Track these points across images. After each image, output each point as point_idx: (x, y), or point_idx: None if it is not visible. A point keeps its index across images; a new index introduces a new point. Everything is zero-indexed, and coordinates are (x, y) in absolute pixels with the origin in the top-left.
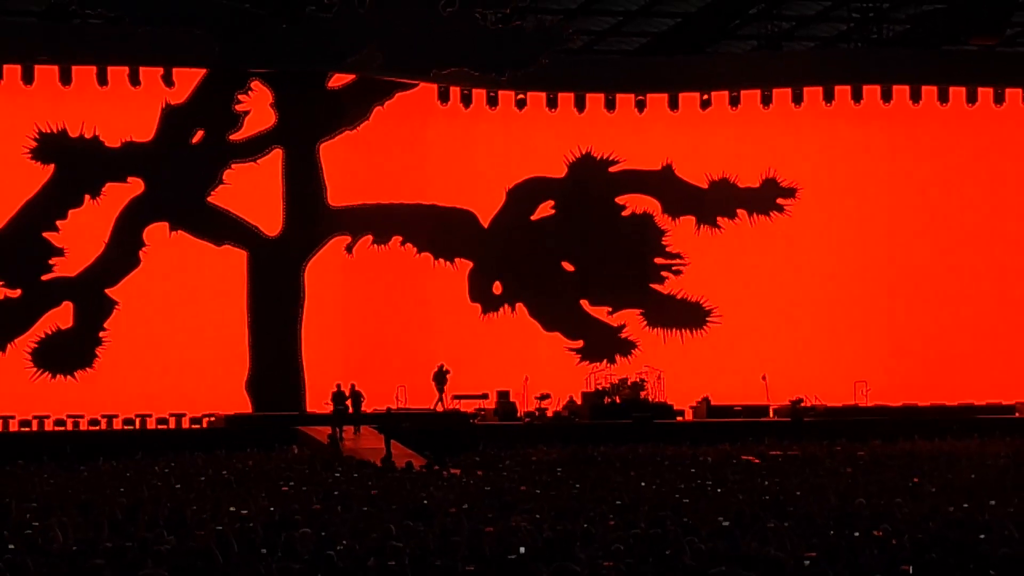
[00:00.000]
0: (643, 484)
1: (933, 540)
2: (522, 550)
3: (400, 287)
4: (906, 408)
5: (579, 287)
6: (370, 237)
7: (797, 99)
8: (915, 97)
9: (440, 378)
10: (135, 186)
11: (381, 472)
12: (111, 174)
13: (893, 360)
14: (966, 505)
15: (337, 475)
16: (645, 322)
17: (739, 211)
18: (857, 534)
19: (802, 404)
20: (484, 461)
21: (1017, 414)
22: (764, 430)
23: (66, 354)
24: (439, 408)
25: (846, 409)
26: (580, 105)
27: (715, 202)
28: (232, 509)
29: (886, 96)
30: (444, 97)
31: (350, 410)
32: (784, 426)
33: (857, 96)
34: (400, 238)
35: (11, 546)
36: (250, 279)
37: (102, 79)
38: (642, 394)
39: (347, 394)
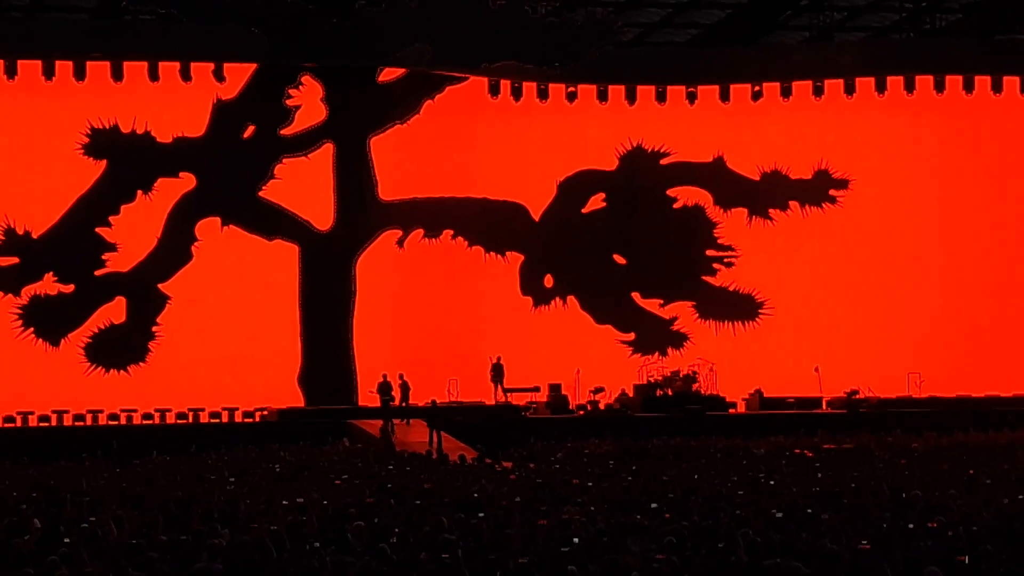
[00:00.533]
0: (695, 477)
1: (988, 531)
2: (576, 541)
3: (451, 281)
4: (960, 399)
5: (630, 280)
6: (421, 231)
7: (849, 90)
8: (968, 87)
9: (497, 371)
10: (187, 181)
11: (434, 465)
12: (163, 169)
13: (946, 351)
14: (1021, 496)
15: (390, 468)
16: (697, 314)
17: (791, 203)
18: (911, 526)
19: (857, 396)
20: (536, 454)
21: None
22: (817, 422)
23: (119, 349)
24: (501, 398)
25: (899, 400)
26: (631, 97)
27: (767, 194)
28: (285, 503)
29: (939, 86)
30: (494, 90)
31: (396, 401)
32: (837, 418)
33: (909, 87)
34: (451, 232)
35: (67, 540)
36: (301, 273)
37: (153, 75)
38: (694, 387)
39: (393, 385)
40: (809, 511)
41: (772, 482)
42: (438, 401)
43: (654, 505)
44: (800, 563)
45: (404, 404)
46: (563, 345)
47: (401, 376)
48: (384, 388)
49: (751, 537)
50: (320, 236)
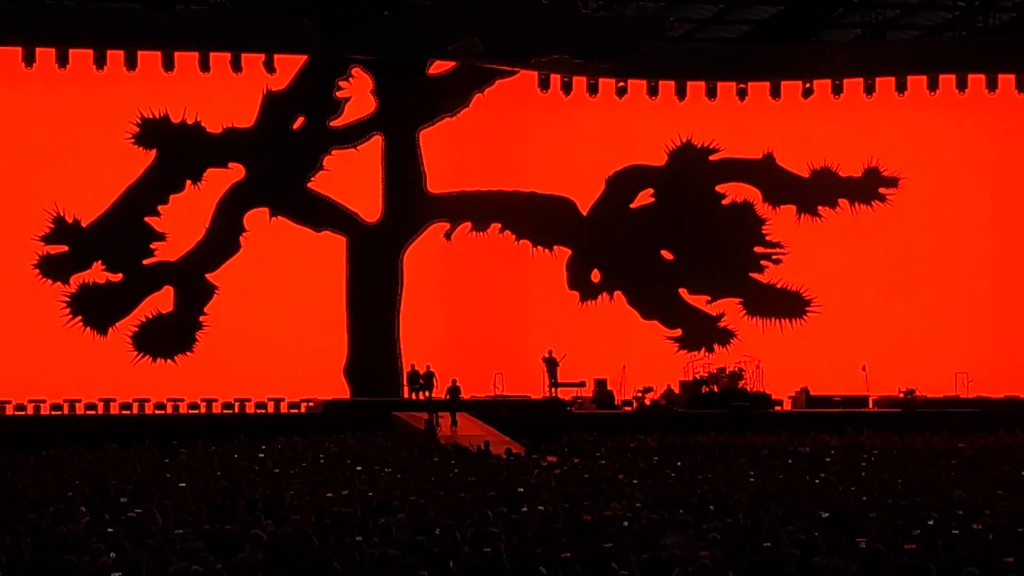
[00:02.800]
0: (741, 474)
1: None
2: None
3: (498, 274)
4: (1008, 400)
5: (678, 276)
6: (468, 224)
7: (901, 88)
8: (1020, 87)
9: (551, 364)
10: (236, 172)
11: (478, 458)
12: (212, 160)
13: (995, 351)
14: None
15: (435, 460)
16: (744, 311)
17: (841, 201)
18: (956, 528)
19: (914, 395)
20: (581, 449)
21: None
22: (863, 421)
23: (166, 338)
24: (553, 393)
25: (947, 400)
26: (681, 93)
27: (816, 191)
28: (329, 495)
29: (991, 85)
30: (544, 84)
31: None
32: (884, 416)
33: (962, 85)
34: (499, 225)
35: (112, 528)
36: (349, 265)
37: (204, 65)
38: (740, 384)
39: (421, 374)
40: (856, 510)
41: (817, 480)
42: (456, 383)
43: (698, 501)
44: (846, 562)
45: (429, 394)
46: (609, 340)
47: (428, 367)
48: (412, 377)
49: (796, 535)
50: (368, 228)
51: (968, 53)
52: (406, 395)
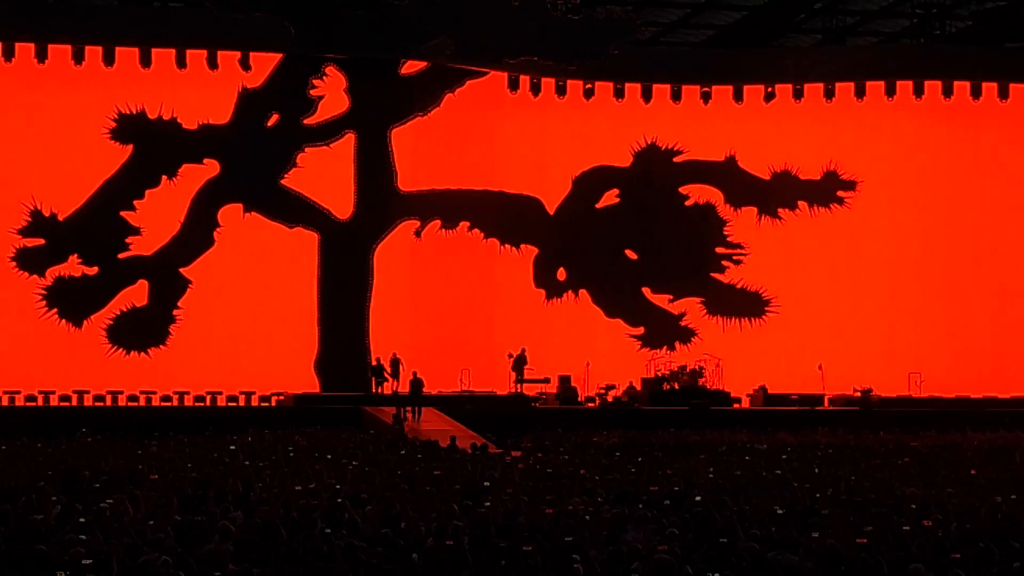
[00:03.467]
0: (700, 470)
1: (982, 531)
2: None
3: (466, 272)
4: (959, 400)
5: (641, 275)
6: (438, 222)
7: (860, 93)
8: (976, 93)
9: (519, 362)
10: (211, 167)
11: (444, 453)
12: (188, 155)
13: (947, 352)
14: (1015, 497)
15: (402, 454)
16: (705, 310)
17: (800, 203)
18: (907, 525)
19: (871, 394)
20: (545, 444)
21: None
22: (819, 419)
23: (140, 331)
24: (518, 389)
25: (900, 400)
26: (647, 96)
27: (777, 193)
28: (298, 487)
29: (947, 92)
30: (514, 85)
31: (391, 383)
32: (839, 415)
33: (919, 91)
34: (467, 223)
35: (81, 520)
36: (321, 261)
37: (181, 62)
38: (700, 381)
39: (387, 367)
40: (810, 506)
41: (773, 477)
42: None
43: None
44: (800, 556)
45: (397, 381)
46: (574, 338)
47: (395, 354)
48: (377, 370)
49: (752, 530)
50: (339, 225)
51: (925, 60)
52: (373, 388)
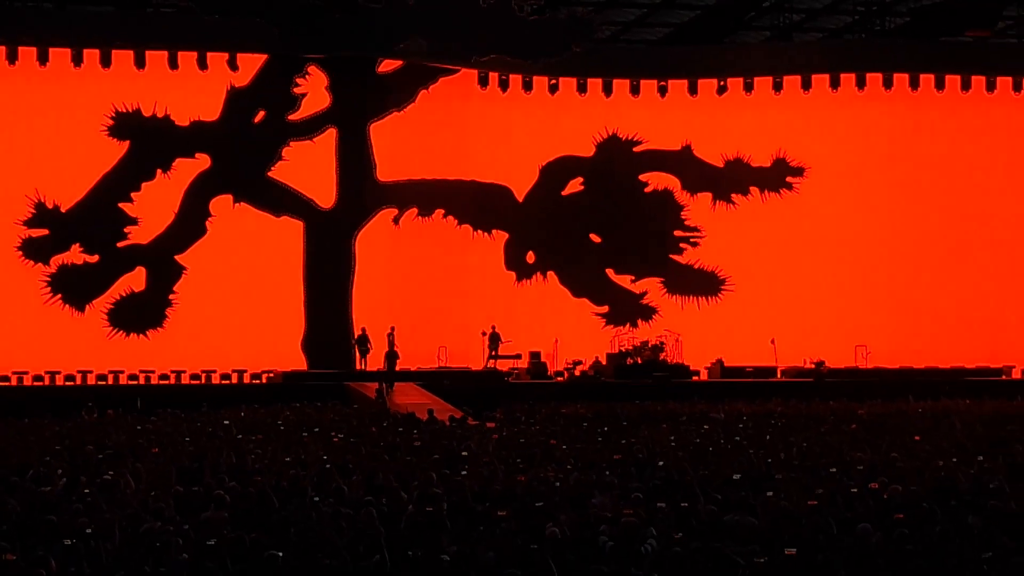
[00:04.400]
0: (661, 438)
1: (925, 492)
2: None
3: (442, 256)
4: (902, 370)
5: (605, 257)
6: (415, 210)
7: (806, 86)
8: (914, 84)
9: (494, 339)
10: (202, 161)
11: (425, 425)
12: (181, 150)
13: (891, 326)
14: (956, 460)
15: (384, 426)
16: (665, 290)
17: (752, 188)
18: (855, 487)
19: (823, 366)
20: (517, 416)
21: (1004, 377)
22: (772, 390)
23: (139, 314)
24: (492, 365)
25: (847, 371)
26: (607, 90)
27: (730, 180)
28: (288, 458)
29: (887, 83)
30: (483, 82)
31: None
32: (791, 385)
33: (861, 83)
34: (442, 211)
35: (87, 491)
36: (306, 248)
37: (173, 63)
38: (661, 356)
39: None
40: (765, 471)
41: (730, 445)
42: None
43: (623, 464)
44: (756, 518)
45: (364, 356)
46: (543, 316)
47: (363, 330)
48: (362, 340)
49: (712, 494)
50: (323, 213)
51: (867, 54)
52: (358, 358)
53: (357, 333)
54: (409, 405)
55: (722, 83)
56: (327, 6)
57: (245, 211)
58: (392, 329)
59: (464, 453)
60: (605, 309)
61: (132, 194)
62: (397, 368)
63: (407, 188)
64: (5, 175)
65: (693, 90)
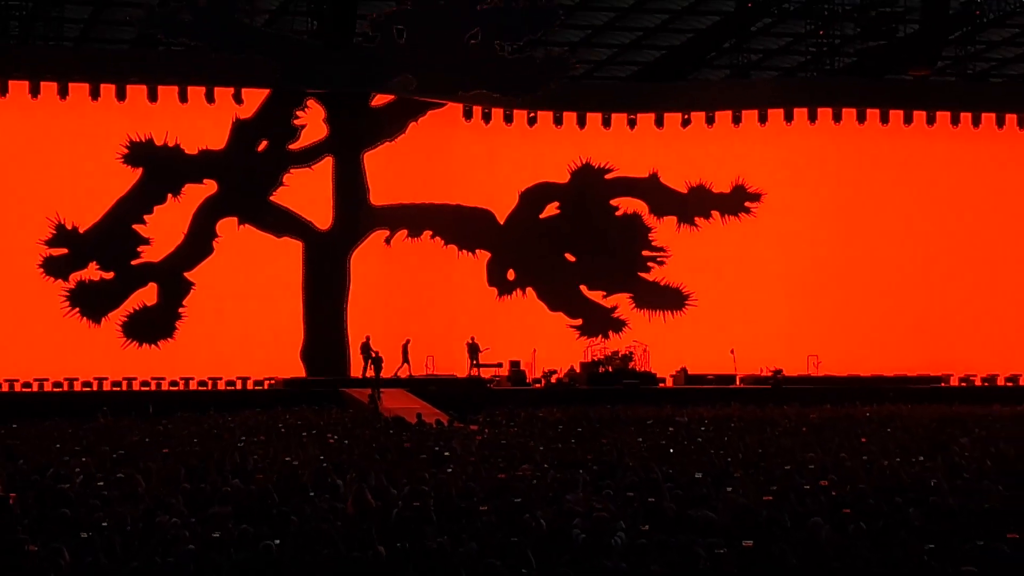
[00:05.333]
0: (630, 440)
1: (871, 489)
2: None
3: (430, 274)
4: (850, 378)
5: (579, 274)
6: (405, 231)
7: (762, 119)
8: (861, 118)
9: (473, 349)
10: (210, 187)
11: (413, 427)
12: (190, 176)
13: (840, 338)
14: (898, 460)
15: (377, 428)
16: (634, 304)
17: (713, 212)
18: (807, 485)
19: (781, 373)
20: (498, 419)
21: (943, 384)
22: (732, 395)
23: (150, 327)
24: (475, 372)
25: (800, 378)
26: (581, 122)
27: (693, 205)
28: (287, 458)
29: (836, 117)
30: (468, 115)
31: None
32: (749, 392)
33: (812, 117)
34: (430, 232)
35: (100, 483)
36: (305, 265)
37: (183, 97)
38: (630, 365)
39: (371, 348)
40: (725, 470)
41: (693, 446)
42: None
43: (595, 463)
44: (715, 513)
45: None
46: (522, 328)
47: (367, 339)
48: (365, 348)
49: (676, 491)
50: (320, 234)
51: (817, 91)
52: (360, 365)
53: (360, 342)
54: (399, 409)
55: (686, 116)
56: (325, 46)
57: (249, 232)
58: (367, 338)
59: (446, 454)
60: (579, 322)
61: (145, 216)
62: (383, 374)
63: (398, 211)
64: (28, 199)
65: (659, 123)
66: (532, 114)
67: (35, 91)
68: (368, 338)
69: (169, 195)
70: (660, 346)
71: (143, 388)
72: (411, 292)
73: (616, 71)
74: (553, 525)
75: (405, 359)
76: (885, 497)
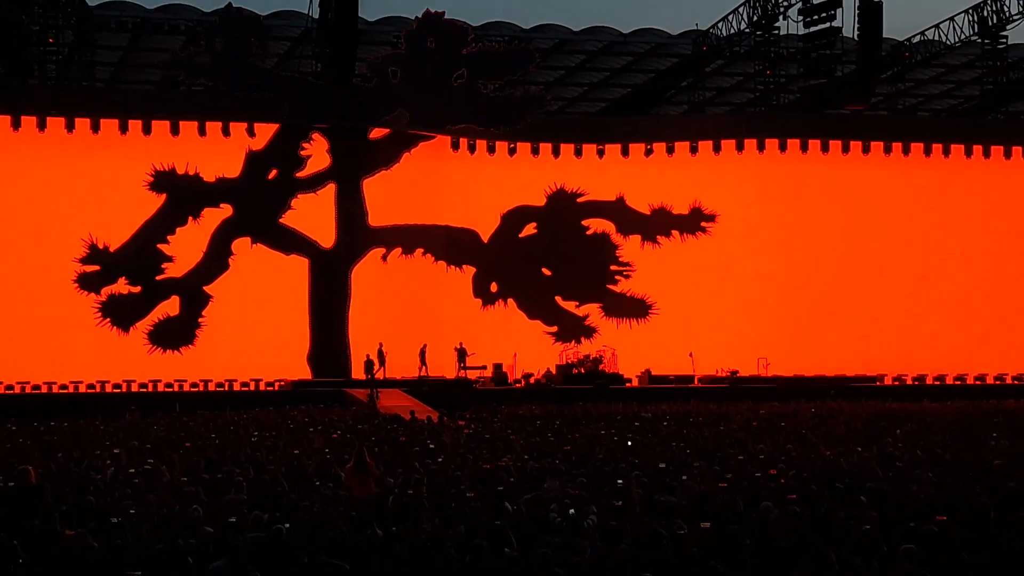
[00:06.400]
0: (601, 433)
1: (814, 476)
2: (511, 480)
3: (421, 287)
4: (796, 378)
5: (554, 287)
6: (400, 249)
7: (716, 149)
8: (804, 148)
9: (461, 354)
10: (226, 210)
11: (408, 423)
12: (208, 201)
13: (787, 342)
14: (839, 450)
15: (375, 424)
16: (603, 313)
17: (673, 231)
18: (758, 472)
19: (737, 374)
20: (483, 416)
21: (878, 383)
22: (691, 394)
23: (173, 334)
24: (462, 374)
25: (751, 378)
26: (556, 152)
27: (655, 225)
28: (295, 451)
29: (783, 147)
30: (455, 146)
31: (378, 371)
32: (707, 390)
33: (761, 147)
34: (422, 250)
35: (136, 481)
36: (310, 280)
37: (202, 131)
38: (600, 367)
39: (374, 360)
40: (684, 460)
41: (657, 438)
42: (374, 362)
43: (569, 454)
44: (677, 498)
45: (383, 366)
46: (504, 335)
47: (380, 345)
48: (368, 365)
49: (641, 479)
50: (324, 252)
51: (765, 124)
52: (364, 375)
53: (354, 354)
54: (395, 407)
55: (649, 147)
56: (328, 85)
57: (261, 250)
58: (380, 344)
59: (432, 446)
60: (554, 329)
61: (168, 237)
62: (379, 376)
63: (393, 232)
64: (64, 222)
65: (625, 152)
66: (512, 145)
67: (70, 126)
68: (381, 344)
69: (190, 218)
70: (627, 350)
71: (167, 389)
72: (406, 303)
73: (587, 107)
74: (532, 509)
75: (381, 361)
76: (827, 484)
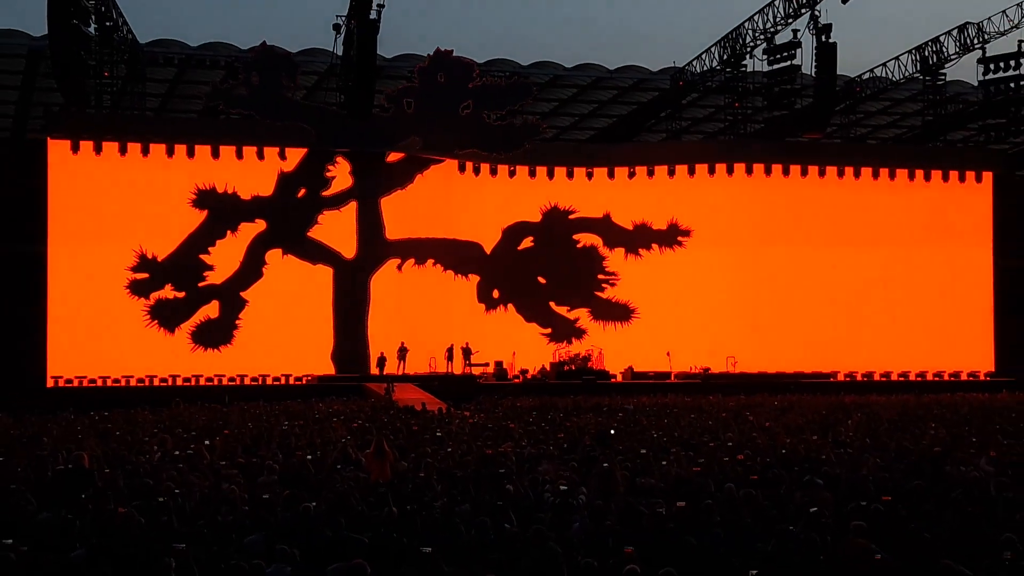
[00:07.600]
0: (589, 424)
1: (777, 461)
2: (510, 464)
3: (432, 293)
4: (760, 374)
5: (548, 293)
6: (413, 260)
7: (691, 172)
8: (768, 172)
9: (466, 352)
10: (260, 225)
11: (420, 414)
12: (244, 217)
13: (753, 343)
14: (797, 438)
15: (391, 414)
16: (591, 316)
17: (653, 245)
18: (727, 457)
19: (709, 371)
20: (486, 407)
21: (831, 379)
22: (668, 388)
23: (213, 335)
24: (468, 371)
25: (721, 375)
26: (550, 175)
27: (638, 239)
28: (320, 439)
29: (749, 171)
30: (462, 168)
31: (395, 366)
32: (685, 385)
33: (730, 171)
34: (432, 260)
35: (180, 465)
36: (334, 287)
37: (239, 155)
38: (589, 364)
39: (388, 357)
40: (663, 447)
41: (638, 428)
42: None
43: (560, 441)
44: (657, 482)
45: (402, 361)
46: (505, 336)
47: (402, 343)
48: (380, 361)
49: (625, 463)
50: (347, 262)
51: (734, 150)
52: (376, 370)
53: (374, 352)
54: (408, 400)
55: (632, 170)
56: (350, 115)
57: (291, 260)
58: (403, 343)
59: (439, 433)
60: (549, 331)
61: (209, 248)
62: (399, 372)
63: (408, 244)
64: (118, 235)
65: (611, 175)
66: (512, 168)
67: (123, 150)
68: (403, 343)
69: (228, 231)
70: (612, 349)
71: (208, 383)
72: (418, 307)
73: (577, 134)
74: (529, 490)
75: (402, 358)
76: (786, 467)
